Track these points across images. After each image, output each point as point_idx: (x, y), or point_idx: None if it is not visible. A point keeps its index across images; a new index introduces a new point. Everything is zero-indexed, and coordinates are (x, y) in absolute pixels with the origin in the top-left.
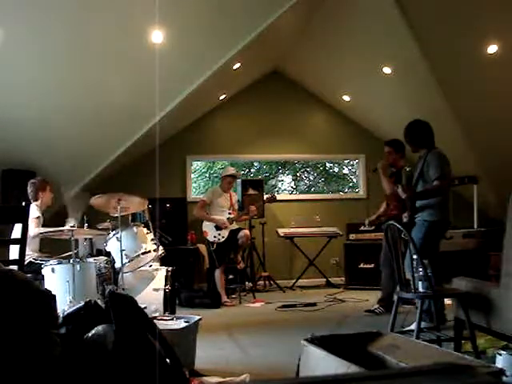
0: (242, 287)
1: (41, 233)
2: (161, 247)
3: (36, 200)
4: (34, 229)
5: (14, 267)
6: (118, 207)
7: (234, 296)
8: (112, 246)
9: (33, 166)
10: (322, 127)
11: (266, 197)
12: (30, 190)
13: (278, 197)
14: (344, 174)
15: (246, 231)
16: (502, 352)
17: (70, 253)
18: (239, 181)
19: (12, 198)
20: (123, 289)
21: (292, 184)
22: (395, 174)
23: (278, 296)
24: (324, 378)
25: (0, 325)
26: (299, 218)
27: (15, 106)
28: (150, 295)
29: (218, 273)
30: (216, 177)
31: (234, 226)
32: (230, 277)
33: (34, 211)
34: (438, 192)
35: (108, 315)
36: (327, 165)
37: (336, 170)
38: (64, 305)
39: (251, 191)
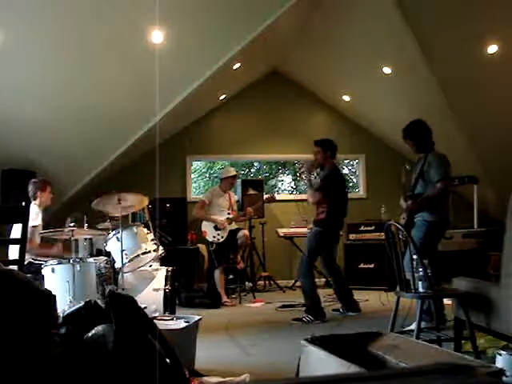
0: (242, 287)
1: (41, 233)
2: (161, 247)
3: (35, 199)
4: (29, 244)
5: (14, 267)
6: (119, 207)
7: (234, 296)
8: (112, 246)
9: (33, 166)
10: (321, 127)
11: (265, 197)
12: (30, 188)
13: (278, 197)
14: (344, 173)
15: (245, 231)
16: (502, 352)
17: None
18: (239, 181)
19: (12, 198)
20: (123, 289)
21: (292, 184)
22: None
23: (277, 296)
24: (324, 378)
25: (0, 325)
26: (299, 218)
27: (15, 106)
28: (150, 295)
29: (217, 273)
30: (216, 177)
31: (234, 226)
32: (230, 277)
33: (33, 209)
34: (440, 195)
35: (108, 315)
36: None
37: None
38: (64, 305)
39: (251, 191)
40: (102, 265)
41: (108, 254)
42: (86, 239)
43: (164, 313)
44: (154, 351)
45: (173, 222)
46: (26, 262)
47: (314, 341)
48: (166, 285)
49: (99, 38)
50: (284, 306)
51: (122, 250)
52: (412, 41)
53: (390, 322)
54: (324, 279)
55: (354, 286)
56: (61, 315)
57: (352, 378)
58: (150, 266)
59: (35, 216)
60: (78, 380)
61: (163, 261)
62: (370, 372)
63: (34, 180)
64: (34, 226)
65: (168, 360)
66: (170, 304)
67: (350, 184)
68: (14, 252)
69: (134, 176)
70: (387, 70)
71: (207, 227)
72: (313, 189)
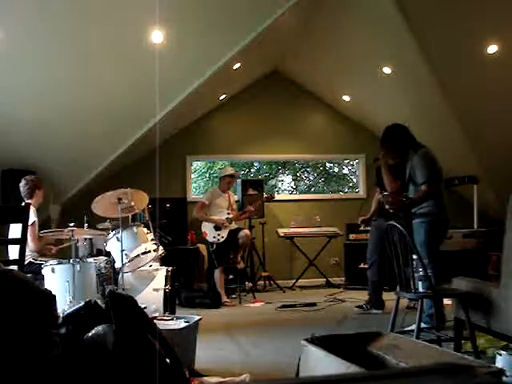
0: (242, 287)
1: (41, 233)
2: (161, 247)
3: (31, 198)
4: (34, 243)
5: (14, 267)
6: (119, 206)
7: (234, 296)
8: (112, 246)
9: (33, 166)
10: (321, 127)
11: (264, 196)
12: (25, 187)
13: (278, 197)
14: (344, 174)
15: (247, 231)
16: (502, 352)
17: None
18: (239, 181)
19: (12, 197)
20: (123, 289)
21: (292, 184)
22: (393, 168)
23: (278, 296)
24: (324, 378)
25: (0, 325)
26: (299, 218)
27: (15, 106)
28: (150, 295)
29: (217, 273)
30: (216, 177)
31: (234, 225)
32: (230, 277)
33: (31, 215)
34: (427, 197)
35: (108, 315)
36: (327, 165)
37: (336, 169)
38: (64, 305)
39: (251, 191)
40: (102, 265)
41: (108, 254)
42: (85, 239)
43: (164, 313)
44: (153, 351)
45: (173, 222)
46: (26, 262)
47: (314, 341)
48: (165, 285)
49: (100, 37)
50: (284, 306)
51: (122, 250)
52: (412, 41)
53: (390, 322)
54: (325, 279)
55: (354, 285)
56: (61, 315)
57: (352, 378)
58: (150, 266)
59: (33, 214)
60: (78, 380)
61: (163, 261)
62: (370, 372)
63: (28, 178)
64: (32, 224)
65: (168, 360)
66: (170, 304)
67: (350, 184)
68: (13, 252)
69: (134, 176)
70: (387, 70)
71: (207, 228)
72: (392, 176)
